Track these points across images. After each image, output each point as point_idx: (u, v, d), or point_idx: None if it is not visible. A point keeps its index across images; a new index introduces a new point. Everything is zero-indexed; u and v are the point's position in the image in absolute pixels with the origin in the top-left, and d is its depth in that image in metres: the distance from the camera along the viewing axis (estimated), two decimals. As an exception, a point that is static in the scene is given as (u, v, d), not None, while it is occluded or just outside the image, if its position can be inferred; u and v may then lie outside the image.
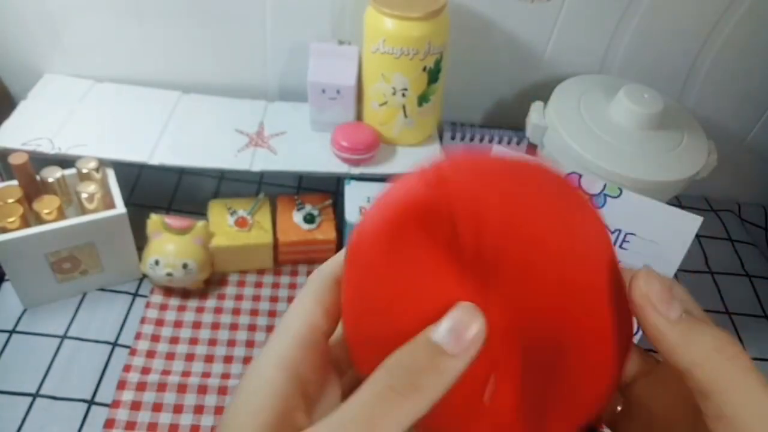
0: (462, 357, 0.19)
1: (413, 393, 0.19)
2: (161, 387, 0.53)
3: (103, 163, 0.59)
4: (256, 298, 0.62)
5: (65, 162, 0.58)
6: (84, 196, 0.55)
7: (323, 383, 0.22)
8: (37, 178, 0.57)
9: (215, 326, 0.59)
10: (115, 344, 0.56)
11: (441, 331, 0.19)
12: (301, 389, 0.21)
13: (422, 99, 0.63)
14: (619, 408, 0.25)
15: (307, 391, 0.21)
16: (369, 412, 0.19)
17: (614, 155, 0.57)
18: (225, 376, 0.55)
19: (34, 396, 0.52)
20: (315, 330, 0.22)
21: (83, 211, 0.56)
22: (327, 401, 0.22)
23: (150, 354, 0.56)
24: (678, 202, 0.76)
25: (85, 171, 0.58)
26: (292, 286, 0.64)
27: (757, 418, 0.19)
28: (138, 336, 0.57)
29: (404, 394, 0.19)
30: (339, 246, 0.65)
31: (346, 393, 0.21)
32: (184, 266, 0.57)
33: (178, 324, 0.59)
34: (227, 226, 0.62)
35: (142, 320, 0.58)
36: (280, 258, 0.64)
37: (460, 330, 0.19)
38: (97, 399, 0.52)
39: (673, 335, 0.20)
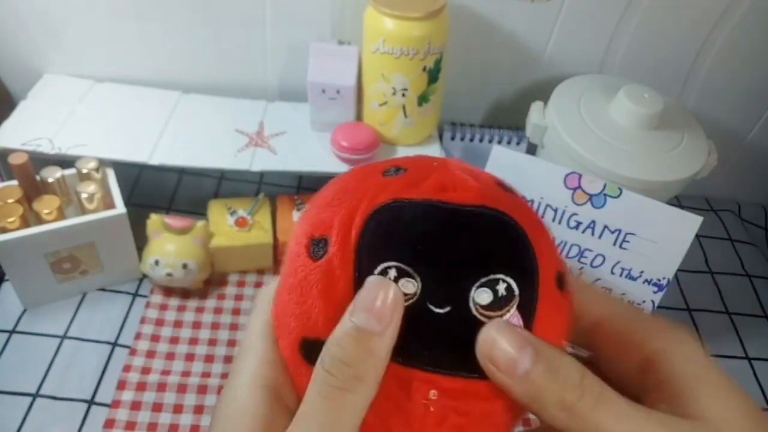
0: (388, 330, 0.19)
1: (358, 383, 0.19)
2: (161, 387, 0.53)
3: (103, 163, 0.59)
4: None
5: (65, 162, 0.58)
6: (84, 196, 0.55)
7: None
8: (37, 178, 0.57)
9: (215, 326, 0.59)
10: (115, 344, 0.56)
11: (358, 313, 0.19)
12: (283, 404, 0.21)
13: (422, 99, 0.63)
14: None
15: (289, 405, 0.21)
16: (324, 419, 0.19)
17: (614, 155, 0.57)
18: (225, 376, 0.55)
19: (34, 396, 0.52)
20: (277, 341, 0.22)
21: (83, 211, 0.56)
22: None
23: (150, 354, 0.56)
24: (678, 202, 0.76)
25: (85, 171, 0.58)
26: (292, 286, 0.64)
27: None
28: (138, 336, 0.57)
29: (350, 389, 0.19)
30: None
31: None
32: (184, 266, 0.57)
33: (178, 324, 0.59)
34: (227, 226, 0.62)
35: (142, 320, 0.58)
36: (280, 258, 0.64)
37: (376, 305, 0.19)
38: (97, 399, 0.52)
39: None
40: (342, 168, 0.63)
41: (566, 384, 0.19)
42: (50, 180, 0.56)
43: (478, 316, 0.20)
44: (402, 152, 0.66)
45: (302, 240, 0.22)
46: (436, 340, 0.20)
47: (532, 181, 0.52)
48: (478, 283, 0.20)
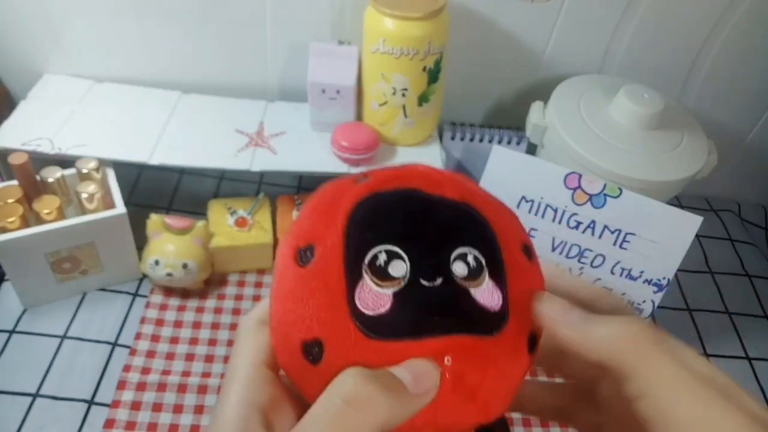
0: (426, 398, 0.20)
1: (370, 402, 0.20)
2: (161, 387, 0.53)
3: (103, 163, 0.59)
4: (256, 298, 0.62)
5: (65, 162, 0.58)
6: (84, 196, 0.55)
7: (281, 411, 0.23)
8: (37, 178, 0.57)
9: (215, 326, 0.59)
10: (115, 344, 0.56)
11: (404, 372, 0.20)
12: (270, 426, 0.22)
13: (422, 99, 0.63)
14: None
15: (270, 422, 0.22)
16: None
17: (614, 155, 0.57)
18: (225, 376, 0.55)
19: (34, 396, 0.52)
20: (262, 365, 0.23)
21: (83, 211, 0.56)
22: (284, 423, 0.23)
23: (150, 354, 0.56)
24: (678, 202, 0.76)
25: (85, 171, 0.58)
26: (292, 286, 0.64)
27: (672, 383, 0.21)
28: (138, 336, 0.57)
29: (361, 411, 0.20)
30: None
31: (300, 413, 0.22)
32: (184, 266, 0.57)
33: (178, 324, 0.59)
34: (227, 226, 0.62)
35: (142, 320, 0.58)
36: (280, 258, 0.64)
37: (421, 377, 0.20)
38: (97, 399, 0.52)
39: (575, 335, 0.22)
40: (342, 168, 0.63)
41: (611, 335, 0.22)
42: (50, 180, 0.56)
43: (462, 284, 0.22)
44: (402, 152, 0.66)
45: (288, 252, 0.23)
46: (438, 308, 0.21)
47: (532, 181, 0.52)
48: (452, 257, 0.22)
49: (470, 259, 0.22)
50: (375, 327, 0.21)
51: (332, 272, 0.21)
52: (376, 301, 0.21)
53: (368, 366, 0.20)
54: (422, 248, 0.22)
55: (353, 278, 0.21)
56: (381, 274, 0.21)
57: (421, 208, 0.23)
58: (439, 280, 0.21)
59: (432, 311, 0.21)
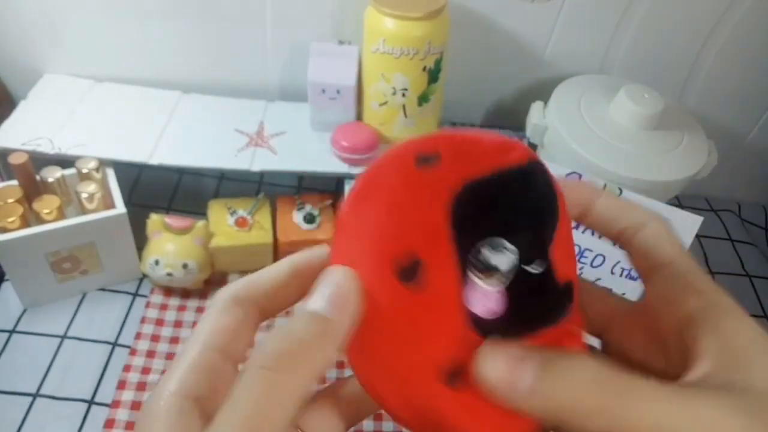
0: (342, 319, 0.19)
1: (295, 366, 0.18)
2: (161, 387, 0.53)
3: (103, 163, 0.59)
4: (256, 298, 0.62)
5: (65, 162, 0.58)
6: (84, 196, 0.55)
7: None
8: (37, 178, 0.56)
9: (215, 326, 0.59)
10: (115, 344, 0.56)
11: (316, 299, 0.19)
12: (205, 418, 0.19)
13: (422, 99, 0.63)
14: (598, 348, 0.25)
15: (206, 409, 0.19)
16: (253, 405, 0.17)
17: (614, 155, 0.57)
18: (225, 376, 0.55)
19: (34, 396, 0.52)
20: (213, 351, 0.21)
21: (83, 211, 0.56)
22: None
23: (150, 354, 0.56)
24: (678, 202, 0.76)
25: (85, 171, 0.58)
26: (292, 286, 0.64)
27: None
28: (138, 336, 0.57)
29: (288, 370, 0.18)
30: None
31: None
32: (184, 266, 0.57)
33: (178, 324, 0.59)
34: (227, 226, 0.62)
35: (142, 320, 0.58)
36: (281, 258, 0.64)
37: (332, 291, 0.19)
38: (97, 399, 0.52)
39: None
40: (342, 168, 0.63)
41: (582, 384, 0.17)
42: (50, 180, 0.56)
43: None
44: (402, 152, 0.66)
45: (384, 263, 0.20)
46: (551, 297, 0.20)
47: (532, 181, 0.52)
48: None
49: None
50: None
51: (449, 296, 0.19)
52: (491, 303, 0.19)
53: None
54: (523, 234, 0.20)
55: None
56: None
57: (517, 189, 0.20)
58: (542, 267, 0.20)
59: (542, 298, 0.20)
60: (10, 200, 0.54)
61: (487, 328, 0.19)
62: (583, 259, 0.52)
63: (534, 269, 0.20)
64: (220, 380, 0.20)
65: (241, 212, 0.63)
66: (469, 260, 0.19)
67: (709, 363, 0.18)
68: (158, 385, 0.20)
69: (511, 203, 0.20)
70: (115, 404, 0.52)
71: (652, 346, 0.21)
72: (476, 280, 0.19)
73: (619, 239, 0.23)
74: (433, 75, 0.61)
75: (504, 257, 0.19)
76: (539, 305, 0.20)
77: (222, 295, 0.22)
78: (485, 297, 0.19)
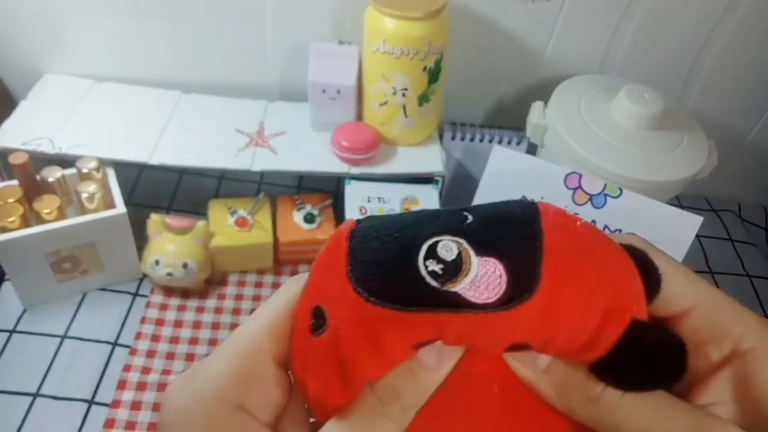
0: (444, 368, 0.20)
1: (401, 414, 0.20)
2: (161, 387, 0.53)
3: (103, 163, 0.59)
4: (256, 298, 0.62)
5: (65, 162, 0.58)
6: (84, 196, 0.55)
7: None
8: (37, 178, 0.57)
9: (215, 326, 0.59)
10: (115, 344, 0.56)
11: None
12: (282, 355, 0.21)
13: (422, 99, 0.63)
14: None
15: (282, 359, 0.21)
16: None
17: (614, 155, 0.57)
18: (225, 376, 0.55)
19: (34, 396, 0.52)
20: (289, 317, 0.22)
21: (83, 211, 0.56)
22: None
23: (150, 354, 0.56)
24: (678, 202, 0.76)
25: (85, 171, 0.58)
26: (293, 286, 0.64)
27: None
28: (138, 336, 0.57)
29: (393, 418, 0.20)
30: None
31: None
32: (184, 266, 0.57)
33: (178, 324, 0.59)
34: (227, 226, 0.62)
35: (142, 320, 0.58)
36: (281, 258, 0.64)
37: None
38: (97, 399, 0.52)
39: None
40: (342, 168, 0.63)
41: (588, 374, 0.19)
42: (50, 180, 0.56)
43: None
44: (402, 152, 0.66)
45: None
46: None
47: (532, 181, 0.53)
48: None
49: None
50: None
51: None
52: None
53: None
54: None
55: None
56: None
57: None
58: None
59: None
60: (11, 200, 0.54)
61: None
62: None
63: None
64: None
65: (242, 212, 0.63)
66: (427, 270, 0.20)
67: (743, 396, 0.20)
68: (249, 320, 0.22)
69: None
70: (115, 404, 0.52)
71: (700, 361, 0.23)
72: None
73: None
74: (434, 75, 0.61)
75: (448, 251, 0.20)
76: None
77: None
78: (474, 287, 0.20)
